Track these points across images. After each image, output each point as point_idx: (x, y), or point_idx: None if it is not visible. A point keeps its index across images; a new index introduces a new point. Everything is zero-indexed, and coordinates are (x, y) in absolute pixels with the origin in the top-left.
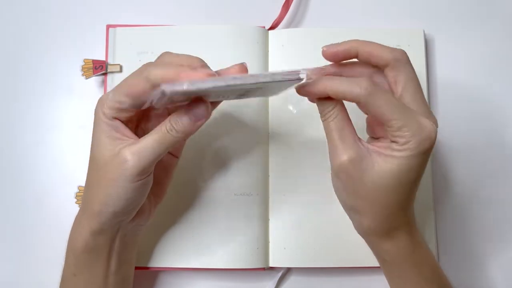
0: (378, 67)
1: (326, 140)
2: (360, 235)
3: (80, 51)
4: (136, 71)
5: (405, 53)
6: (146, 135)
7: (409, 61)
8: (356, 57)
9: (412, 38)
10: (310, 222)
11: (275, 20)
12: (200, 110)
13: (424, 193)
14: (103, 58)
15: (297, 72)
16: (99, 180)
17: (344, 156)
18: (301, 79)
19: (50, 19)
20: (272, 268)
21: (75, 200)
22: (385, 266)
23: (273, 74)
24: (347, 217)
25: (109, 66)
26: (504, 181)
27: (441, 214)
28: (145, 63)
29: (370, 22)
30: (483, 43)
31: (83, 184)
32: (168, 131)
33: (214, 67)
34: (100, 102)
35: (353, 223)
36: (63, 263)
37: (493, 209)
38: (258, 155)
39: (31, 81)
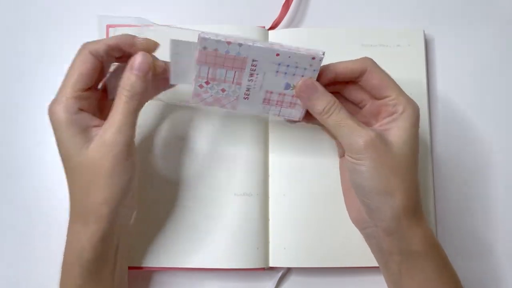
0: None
1: (337, 133)
2: (389, 225)
3: None
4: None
5: (370, 58)
6: (110, 114)
7: (377, 64)
8: (332, 80)
9: (412, 38)
10: (310, 222)
11: (275, 20)
12: (138, 60)
13: (424, 192)
14: None
15: (318, 51)
16: (91, 183)
17: (370, 133)
18: (322, 57)
19: (50, 19)
20: (272, 268)
21: None
22: (409, 260)
23: (297, 47)
24: (347, 217)
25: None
26: (507, 175)
27: (441, 210)
28: None
29: (370, 22)
30: (483, 43)
31: None
32: (124, 97)
33: None
34: (55, 103)
35: (381, 213)
36: (60, 276)
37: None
38: (258, 155)
39: (31, 81)
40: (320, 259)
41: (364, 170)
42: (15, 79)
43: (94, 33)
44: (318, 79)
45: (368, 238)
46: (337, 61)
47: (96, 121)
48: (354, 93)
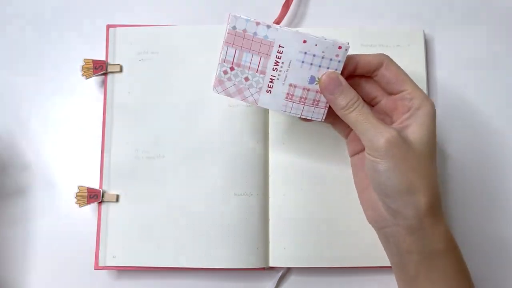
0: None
1: (358, 129)
2: (411, 224)
3: (80, 51)
4: None
5: (386, 54)
6: None
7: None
8: (353, 71)
9: (412, 38)
10: (310, 222)
11: (275, 20)
12: None
13: None
14: (103, 58)
15: (344, 41)
16: None
17: (392, 131)
18: (348, 47)
19: (50, 19)
20: (272, 268)
21: (75, 200)
22: (428, 259)
23: (323, 37)
24: (347, 217)
25: (109, 66)
26: (509, 173)
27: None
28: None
29: (370, 22)
30: (483, 43)
31: (83, 184)
32: None
33: (214, 67)
34: None
35: (404, 211)
36: None
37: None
38: (258, 155)
39: (31, 81)
40: (320, 259)
41: (386, 169)
42: (15, 79)
43: (96, 37)
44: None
45: (386, 237)
46: None
47: None
48: (368, 89)
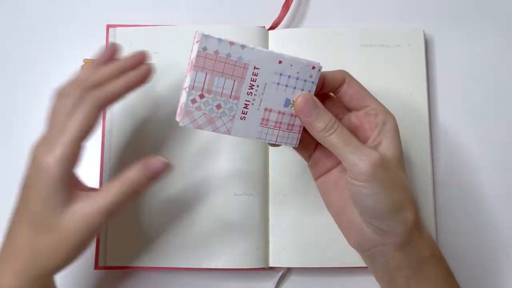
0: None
1: (338, 153)
2: (402, 240)
3: (80, 51)
4: (66, 108)
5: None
6: (103, 190)
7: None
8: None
9: (412, 38)
10: (310, 222)
11: (275, 20)
12: (159, 166)
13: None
14: None
15: (317, 63)
16: (49, 245)
17: (374, 153)
18: (321, 67)
19: (50, 19)
20: (272, 268)
21: None
22: (418, 271)
23: (297, 57)
24: None
25: None
26: (507, 174)
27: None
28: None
29: (370, 22)
30: (483, 43)
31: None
32: (124, 188)
33: None
34: (51, 155)
35: (394, 230)
36: None
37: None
38: (258, 155)
39: (31, 81)
40: (320, 259)
41: (373, 192)
42: (15, 79)
43: (96, 37)
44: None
45: (373, 258)
46: (336, 61)
47: (80, 184)
48: (330, 106)
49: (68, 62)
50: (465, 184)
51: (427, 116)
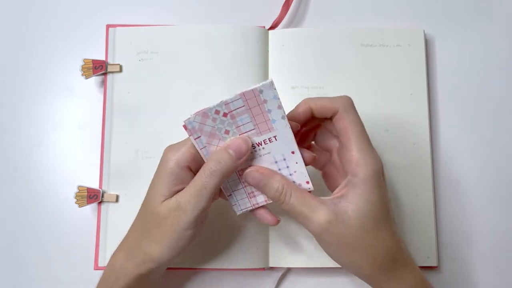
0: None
1: (294, 218)
2: (366, 282)
3: (80, 51)
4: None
5: (349, 98)
6: (192, 181)
7: (353, 105)
8: (312, 114)
9: (412, 38)
10: None
11: (275, 20)
12: (238, 143)
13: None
14: (103, 58)
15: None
16: (154, 232)
17: (320, 221)
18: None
19: (50, 19)
20: (272, 268)
21: (75, 200)
22: None
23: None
24: None
25: (109, 66)
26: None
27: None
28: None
29: (371, 22)
30: (484, 42)
31: (82, 184)
32: (209, 172)
33: (214, 67)
34: (173, 148)
35: (358, 276)
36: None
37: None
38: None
39: (31, 81)
40: (320, 259)
41: (327, 249)
42: (15, 79)
43: (96, 37)
44: (295, 115)
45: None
46: (336, 61)
47: (189, 180)
48: (322, 136)
49: (67, 62)
50: (466, 183)
51: (427, 116)
